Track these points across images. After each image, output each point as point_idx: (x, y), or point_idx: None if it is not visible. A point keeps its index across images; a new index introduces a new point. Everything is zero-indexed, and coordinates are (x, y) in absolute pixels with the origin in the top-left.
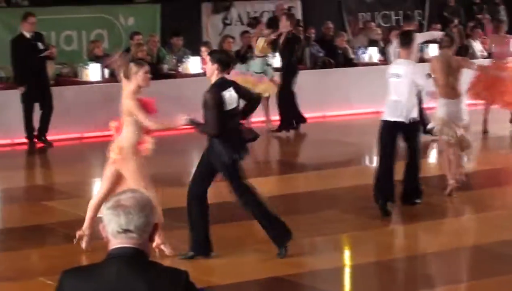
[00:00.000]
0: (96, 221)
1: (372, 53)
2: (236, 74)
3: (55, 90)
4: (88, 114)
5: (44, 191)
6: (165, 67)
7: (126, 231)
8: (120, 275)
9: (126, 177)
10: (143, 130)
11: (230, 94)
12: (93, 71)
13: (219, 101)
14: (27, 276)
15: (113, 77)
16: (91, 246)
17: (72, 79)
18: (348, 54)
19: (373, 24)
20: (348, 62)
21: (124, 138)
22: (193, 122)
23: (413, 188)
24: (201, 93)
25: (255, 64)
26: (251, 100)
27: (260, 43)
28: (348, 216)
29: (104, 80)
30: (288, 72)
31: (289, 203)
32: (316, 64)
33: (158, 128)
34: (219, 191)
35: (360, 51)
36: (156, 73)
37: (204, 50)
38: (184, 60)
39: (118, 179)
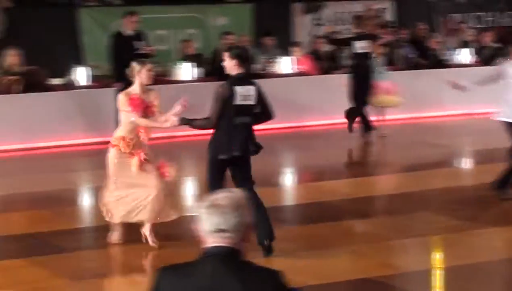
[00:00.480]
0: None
1: (465, 55)
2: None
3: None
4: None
5: None
6: (256, 67)
7: (220, 230)
8: (214, 274)
9: None
10: (134, 128)
11: (246, 90)
12: (184, 71)
13: (229, 94)
14: (119, 272)
15: (205, 77)
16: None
17: (163, 78)
18: (440, 55)
19: (465, 25)
20: (440, 64)
21: (118, 130)
22: (185, 121)
23: None
24: (292, 93)
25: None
26: (264, 115)
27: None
28: (440, 217)
29: (196, 80)
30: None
31: (381, 204)
32: (408, 65)
33: (147, 125)
34: (309, 192)
35: (452, 53)
36: (247, 73)
37: (295, 50)
38: (275, 60)
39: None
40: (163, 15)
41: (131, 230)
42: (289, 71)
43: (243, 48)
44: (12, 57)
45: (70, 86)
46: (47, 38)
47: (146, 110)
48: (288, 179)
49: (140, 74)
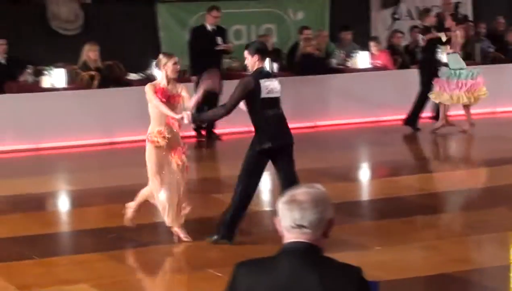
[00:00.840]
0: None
1: None
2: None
3: (225, 84)
4: None
5: (213, 183)
6: (334, 61)
7: (300, 226)
8: (293, 270)
9: None
10: (164, 120)
11: (271, 83)
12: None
13: (256, 88)
14: (196, 267)
15: (281, 72)
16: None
17: (241, 73)
18: None
19: None
20: None
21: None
22: (195, 117)
23: None
24: (369, 88)
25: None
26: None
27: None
28: None
29: (274, 74)
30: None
31: (457, 200)
32: (487, 59)
33: (168, 114)
34: (385, 187)
35: None
36: (325, 68)
37: (373, 45)
38: (352, 54)
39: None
40: (241, 10)
41: (206, 225)
42: (366, 66)
43: (261, 42)
44: (91, 53)
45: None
46: (125, 33)
47: (170, 100)
48: (364, 174)
49: (166, 67)
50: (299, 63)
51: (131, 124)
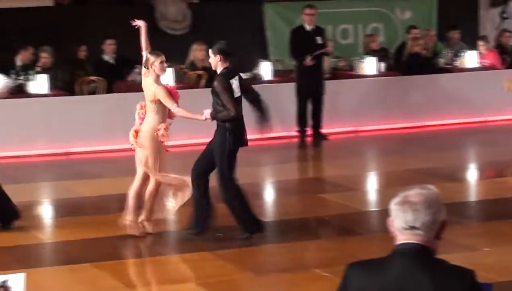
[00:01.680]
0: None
1: None
2: None
3: (331, 84)
4: (364, 108)
5: (319, 183)
6: (441, 61)
7: (412, 227)
8: (404, 271)
9: (139, 160)
10: (165, 117)
11: (236, 83)
12: (369, 65)
13: (228, 87)
14: (302, 267)
15: (388, 72)
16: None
17: (347, 72)
18: None
19: None
20: None
21: (145, 122)
22: (213, 115)
23: None
24: (476, 88)
25: None
26: (256, 101)
27: None
28: None
29: (380, 74)
30: None
31: None
32: None
33: (183, 115)
34: (493, 187)
35: None
36: (432, 68)
37: (481, 44)
38: (460, 54)
39: None
40: (348, 9)
41: (313, 225)
42: (474, 65)
43: (225, 44)
44: (198, 52)
45: (254, 80)
46: (232, 33)
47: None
48: (472, 174)
49: (153, 66)
50: (406, 63)
51: None
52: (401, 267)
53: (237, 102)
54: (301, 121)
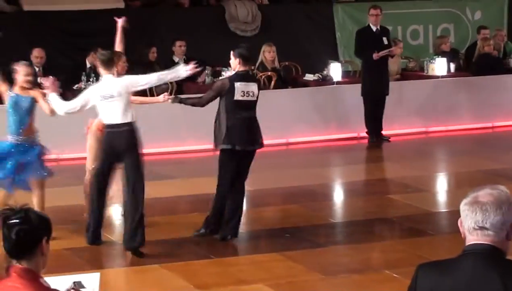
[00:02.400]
0: None
1: None
2: None
3: (401, 84)
4: (433, 108)
5: (388, 184)
6: (509, 62)
7: (481, 228)
8: (475, 272)
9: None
10: None
11: (247, 87)
12: (439, 66)
13: (230, 89)
14: (372, 268)
15: (458, 72)
16: None
17: (418, 73)
18: None
19: None
20: None
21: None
22: (179, 99)
23: None
24: None
25: None
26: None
27: None
28: None
29: (450, 75)
30: None
31: None
32: None
33: (142, 102)
34: None
35: None
36: (502, 68)
37: None
38: None
39: None
40: (418, 10)
41: (379, 228)
42: None
43: (246, 49)
44: (267, 53)
45: (324, 82)
46: (302, 34)
47: None
48: None
49: (116, 65)
50: (476, 63)
51: (305, 125)
52: (472, 268)
53: (238, 105)
54: (369, 123)
